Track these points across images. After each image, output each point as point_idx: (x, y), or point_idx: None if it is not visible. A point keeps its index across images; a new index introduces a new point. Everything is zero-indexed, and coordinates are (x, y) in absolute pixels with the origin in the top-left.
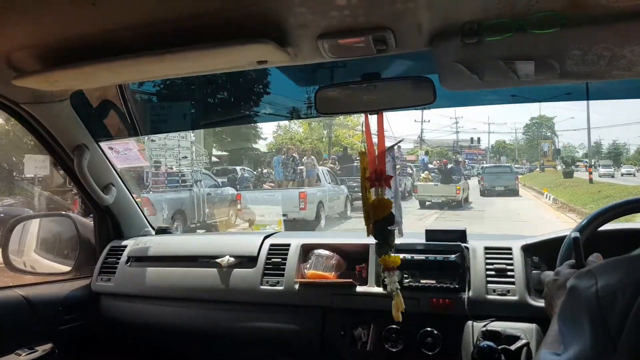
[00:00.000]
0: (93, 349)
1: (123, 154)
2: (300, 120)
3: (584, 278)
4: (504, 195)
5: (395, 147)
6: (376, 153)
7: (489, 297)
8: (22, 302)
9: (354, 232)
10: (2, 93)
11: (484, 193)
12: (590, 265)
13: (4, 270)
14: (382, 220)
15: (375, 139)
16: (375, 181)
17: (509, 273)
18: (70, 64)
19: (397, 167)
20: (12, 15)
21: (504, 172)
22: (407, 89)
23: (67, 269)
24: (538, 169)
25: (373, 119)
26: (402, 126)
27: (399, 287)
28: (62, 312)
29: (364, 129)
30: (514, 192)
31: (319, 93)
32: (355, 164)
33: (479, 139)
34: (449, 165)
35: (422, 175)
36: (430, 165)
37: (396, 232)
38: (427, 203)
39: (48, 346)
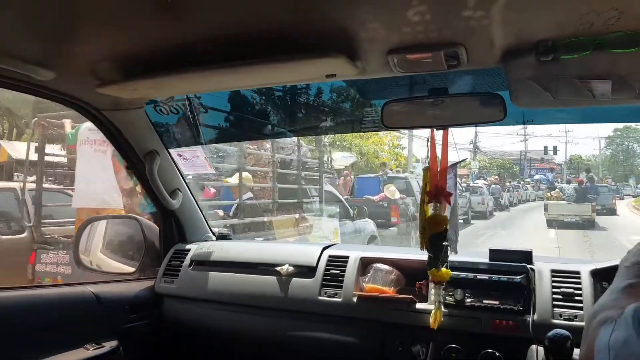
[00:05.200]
0: (155, 348)
1: (191, 160)
2: None
3: None
4: (601, 214)
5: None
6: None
7: (555, 321)
8: (92, 298)
9: (414, 248)
10: (86, 100)
11: None
12: None
13: None
14: (436, 235)
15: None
16: (434, 197)
17: (576, 298)
18: (150, 74)
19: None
20: (98, 27)
21: (601, 191)
22: (475, 105)
23: (131, 269)
24: None
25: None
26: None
27: (442, 301)
28: (127, 310)
29: (428, 144)
30: (611, 212)
31: (386, 107)
32: None
33: (555, 148)
34: (585, 184)
35: (553, 193)
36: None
37: (451, 248)
38: (554, 223)
39: (114, 343)
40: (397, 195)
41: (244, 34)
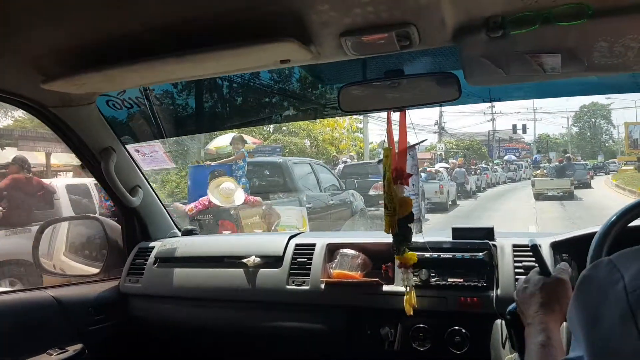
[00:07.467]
0: (122, 349)
1: (149, 156)
2: None
3: (602, 268)
4: (579, 188)
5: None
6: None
7: None
8: (53, 302)
9: (380, 231)
10: (31, 97)
11: None
12: (612, 256)
13: None
14: (402, 219)
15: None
16: (396, 179)
17: None
18: (97, 66)
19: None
20: (38, 19)
21: (577, 168)
22: (431, 85)
23: (95, 270)
24: (630, 166)
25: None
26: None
27: (414, 284)
28: (91, 312)
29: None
30: (586, 185)
31: (343, 91)
32: None
33: (524, 126)
34: (564, 163)
35: (539, 172)
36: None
37: (416, 229)
38: (540, 196)
39: (78, 346)
40: (239, 199)
41: (192, 20)
